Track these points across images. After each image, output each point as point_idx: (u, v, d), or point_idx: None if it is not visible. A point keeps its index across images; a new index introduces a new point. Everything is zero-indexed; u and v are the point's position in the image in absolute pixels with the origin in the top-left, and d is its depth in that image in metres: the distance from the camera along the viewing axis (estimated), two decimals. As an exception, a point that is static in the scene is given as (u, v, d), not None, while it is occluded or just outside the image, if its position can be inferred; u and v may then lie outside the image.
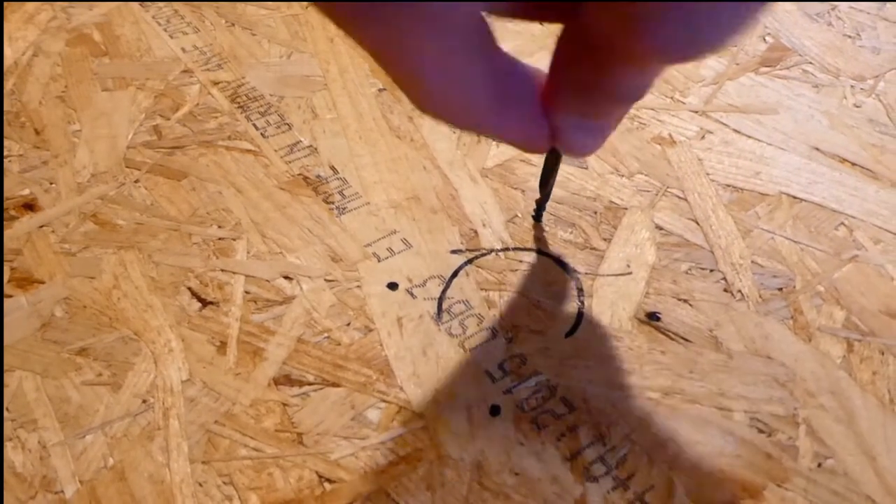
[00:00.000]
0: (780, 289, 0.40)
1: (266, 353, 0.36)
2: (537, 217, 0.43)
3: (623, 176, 0.45)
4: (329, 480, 0.32)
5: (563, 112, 0.24)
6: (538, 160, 0.46)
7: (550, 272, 0.40)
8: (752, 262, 0.41)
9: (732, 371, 0.36)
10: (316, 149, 0.47)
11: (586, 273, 0.40)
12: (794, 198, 0.44)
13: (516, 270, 0.40)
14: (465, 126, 0.25)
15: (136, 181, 0.44)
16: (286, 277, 0.40)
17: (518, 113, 0.25)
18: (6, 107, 0.49)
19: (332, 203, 0.43)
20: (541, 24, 0.26)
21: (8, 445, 0.33)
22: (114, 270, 0.40)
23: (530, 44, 0.53)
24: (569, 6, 0.22)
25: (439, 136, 0.48)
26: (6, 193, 0.44)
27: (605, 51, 0.20)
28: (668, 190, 0.45)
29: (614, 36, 0.18)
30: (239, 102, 0.50)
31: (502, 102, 0.23)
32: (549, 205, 0.43)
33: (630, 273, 0.40)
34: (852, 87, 0.52)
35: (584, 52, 0.21)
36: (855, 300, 0.39)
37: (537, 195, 0.41)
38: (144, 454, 0.33)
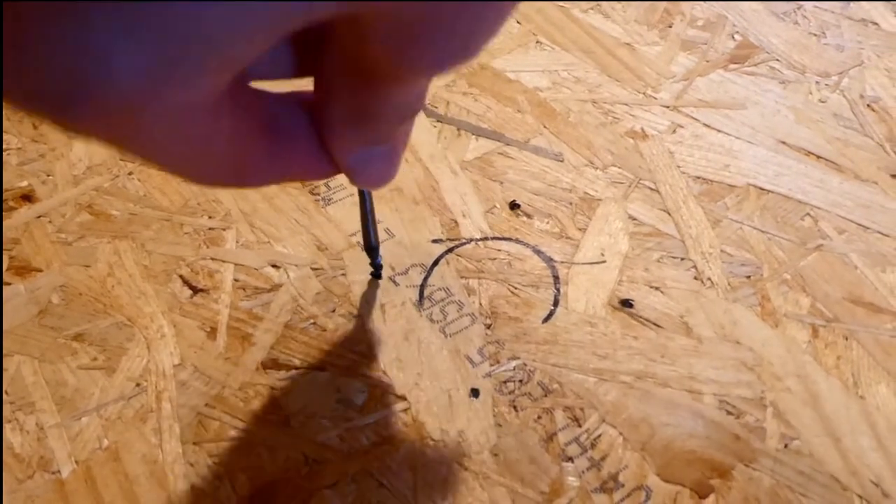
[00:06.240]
0: (748, 277, 0.41)
1: (254, 339, 0.37)
2: (376, 274, 0.40)
3: (597, 168, 0.46)
4: (315, 461, 0.33)
5: (348, 148, 0.22)
6: (517, 153, 0.47)
7: (527, 261, 0.41)
8: (722, 251, 0.42)
9: (702, 356, 0.37)
10: (302, 142, 0.47)
11: (562, 262, 0.41)
12: (762, 189, 0.45)
13: (495, 259, 0.41)
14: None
15: (130, 173, 0.45)
16: (274, 266, 0.40)
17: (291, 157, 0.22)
18: (3, 101, 0.50)
19: (318, 194, 0.44)
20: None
21: (7, 427, 0.34)
22: (108, 259, 0.41)
23: (508, 42, 0.54)
24: (321, 47, 0.20)
25: (421, 129, 0.49)
26: (5, 185, 0.44)
27: (376, 76, 0.18)
28: (641, 182, 0.46)
29: (389, 58, 0.17)
30: (227, 97, 0.51)
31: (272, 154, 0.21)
32: (528, 196, 0.44)
33: (604, 262, 0.41)
34: (817, 83, 0.54)
35: (349, 84, 0.20)
36: (820, 287, 0.40)
37: (515, 188, 0.42)
38: (138, 435, 0.34)
